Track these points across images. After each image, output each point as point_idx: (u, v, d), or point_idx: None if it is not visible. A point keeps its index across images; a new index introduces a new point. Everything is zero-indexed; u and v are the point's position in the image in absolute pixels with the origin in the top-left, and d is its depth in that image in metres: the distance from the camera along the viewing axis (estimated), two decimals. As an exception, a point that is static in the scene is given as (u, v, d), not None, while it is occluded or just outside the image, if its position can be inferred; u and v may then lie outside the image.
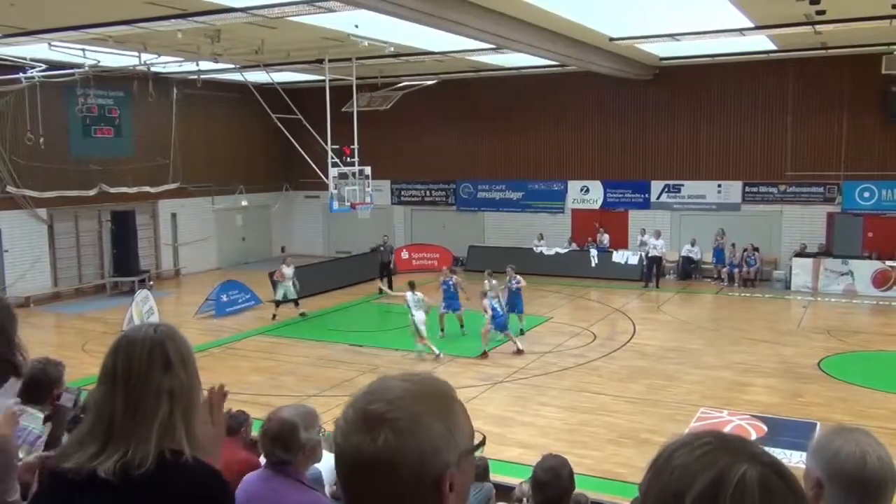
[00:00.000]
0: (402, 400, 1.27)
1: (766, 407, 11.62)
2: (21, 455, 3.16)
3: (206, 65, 19.57)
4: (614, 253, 23.39)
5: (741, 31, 16.19)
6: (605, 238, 23.83)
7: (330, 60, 18.63)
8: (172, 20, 13.88)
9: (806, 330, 16.88)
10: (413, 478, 1.24)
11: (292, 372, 14.22)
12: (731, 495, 1.04)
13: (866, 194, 21.40)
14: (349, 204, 19.32)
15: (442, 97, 24.35)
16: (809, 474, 1.99)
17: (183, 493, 1.88)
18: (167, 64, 19.68)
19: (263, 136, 25.56)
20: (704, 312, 19.50)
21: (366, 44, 16.65)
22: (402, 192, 27.52)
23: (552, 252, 23.92)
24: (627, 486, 8.21)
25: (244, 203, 26.79)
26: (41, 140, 19.51)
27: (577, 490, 4.63)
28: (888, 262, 20.37)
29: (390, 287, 21.45)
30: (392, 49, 17.72)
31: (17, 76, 19.06)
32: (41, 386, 3.55)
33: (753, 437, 9.93)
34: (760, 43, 18.65)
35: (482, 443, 1.34)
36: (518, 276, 16.07)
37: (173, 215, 25.17)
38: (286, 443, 3.29)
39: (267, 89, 21.39)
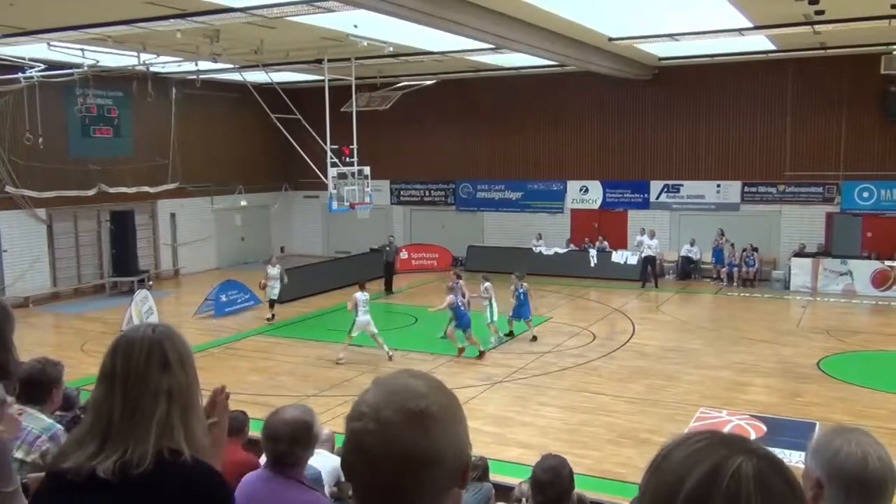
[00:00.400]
0: (432, 395, 1.32)
1: (765, 407, 11.63)
2: (20, 455, 3.16)
3: (205, 65, 19.57)
4: (613, 253, 23.40)
5: (740, 31, 16.19)
6: (605, 245, 23.84)
7: (329, 60, 18.63)
8: (171, 20, 13.88)
9: (805, 330, 16.89)
10: (452, 469, 1.31)
11: (291, 372, 14.22)
12: (727, 486, 1.03)
13: (865, 194, 21.41)
14: (348, 204, 19.32)
15: (441, 97, 24.35)
16: (809, 474, 1.98)
17: (182, 492, 1.88)
18: (166, 64, 19.68)
19: (263, 136, 25.56)
20: (704, 312, 19.51)
21: (365, 44, 16.65)
22: (402, 192, 27.53)
23: (551, 252, 23.93)
24: (627, 485, 8.22)
25: (243, 203, 26.79)
26: (40, 140, 19.49)
27: (577, 490, 4.63)
28: (887, 262, 20.38)
29: (390, 288, 21.44)
30: (391, 49, 17.73)
31: (16, 76, 19.06)
32: (41, 386, 3.55)
33: (753, 436, 9.93)
34: (759, 43, 18.66)
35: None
36: (524, 284, 15.88)
37: (172, 215, 25.17)
38: (305, 440, 3.32)
39: (266, 89, 21.38)
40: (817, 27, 15.24)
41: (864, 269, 20.50)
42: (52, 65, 18.76)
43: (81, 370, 11.08)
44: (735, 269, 21.92)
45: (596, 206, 24.70)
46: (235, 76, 21.24)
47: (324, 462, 5.67)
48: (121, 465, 1.82)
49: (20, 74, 18.98)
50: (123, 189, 22.93)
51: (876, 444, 1.98)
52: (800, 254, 21.52)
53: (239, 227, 27.34)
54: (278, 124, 20.01)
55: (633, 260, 22.71)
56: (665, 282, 22.48)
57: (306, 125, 19.78)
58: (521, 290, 15.78)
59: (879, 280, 20.27)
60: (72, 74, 19.02)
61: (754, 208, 22.76)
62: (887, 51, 18.52)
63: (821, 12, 13.72)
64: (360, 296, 14.58)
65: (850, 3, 13.54)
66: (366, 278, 21.97)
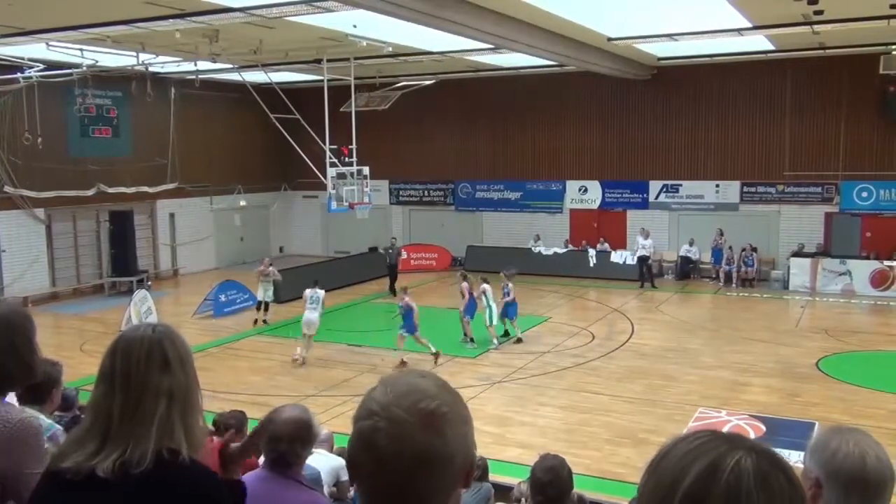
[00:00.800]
0: (441, 396, 1.33)
1: (764, 407, 11.64)
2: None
3: (204, 65, 19.56)
4: (612, 253, 23.41)
5: (739, 31, 16.20)
6: (606, 247, 23.84)
7: (328, 60, 18.62)
8: (171, 20, 13.87)
9: (804, 330, 16.90)
10: (460, 467, 1.33)
11: (291, 372, 14.22)
12: (726, 481, 1.03)
13: (864, 194, 21.42)
14: (347, 204, 19.31)
15: (440, 97, 24.35)
16: (808, 474, 1.99)
17: (181, 492, 1.88)
18: (165, 64, 19.67)
19: (262, 136, 25.55)
20: (703, 312, 19.51)
21: (364, 44, 16.65)
22: (401, 192, 27.53)
23: (550, 252, 23.94)
24: (626, 485, 8.22)
25: (242, 203, 26.79)
26: (39, 140, 19.47)
27: (576, 490, 4.63)
28: (886, 262, 20.40)
29: (394, 290, 21.30)
30: (390, 49, 17.73)
31: (14, 76, 19.05)
32: (40, 386, 3.54)
33: (752, 436, 9.93)
34: (758, 43, 18.66)
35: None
36: (510, 285, 15.92)
37: (171, 215, 25.16)
38: (305, 439, 3.34)
39: (265, 89, 21.38)
40: (816, 27, 15.25)
41: (862, 269, 20.52)
42: (50, 65, 18.75)
43: (80, 370, 11.09)
44: (734, 269, 21.90)
45: (595, 206, 24.71)
46: (234, 76, 21.23)
47: (322, 462, 5.67)
48: (120, 465, 1.83)
49: (19, 74, 18.97)
50: (122, 189, 22.93)
51: (874, 444, 1.98)
52: (799, 254, 21.53)
53: (238, 227, 27.34)
54: (277, 124, 20.01)
55: (631, 260, 22.73)
56: (664, 282, 22.50)
57: (305, 125, 19.77)
58: (506, 289, 15.81)
59: (878, 280, 20.29)
60: (71, 74, 19.01)
61: (753, 208, 22.77)
62: (886, 51, 18.53)
63: (820, 12, 13.73)
64: (309, 292, 14.61)
65: (848, 3, 13.54)
66: (365, 278, 21.90)
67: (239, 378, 13.59)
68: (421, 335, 14.30)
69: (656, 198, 23.87)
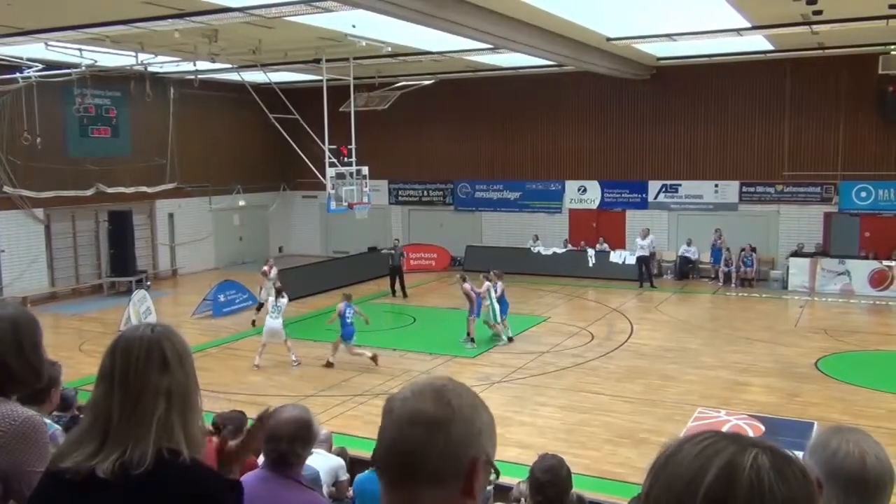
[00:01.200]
0: (458, 389, 1.46)
1: (763, 406, 11.64)
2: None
3: (203, 65, 19.55)
4: (612, 253, 23.42)
5: (738, 31, 16.20)
6: (605, 247, 23.84)
7: (327, 60, 18.62)
8: (170, 20, 13.87)
9: (803, 329, 16.91)
10: (459, 445, 1.39)
11: (290, 372, 14.21)
12: (748, 477, 1.04)
13: (863, 194, 21.44)
14: (346, 204, 19.31)
15: (440, 97, 24.35)
16: (807, 474, 1.98)
17: (181, 492, 1.88)
18: (164, 64, 19.66)
19: (261, 135, 25.54)
20: (702, 312, 19.52)
21: (363, 44, 16.65)
22: (400, 192, 27.52)
23: (550, 252, 23.95)
24: (625, 485, 8.22)
25: (241, 203, 26.78)
26: (38, 140, 19.47)
27: (575, 489, 4.63)
28: (885, 262, 20.41)
29: (395, 290, 21.21)
30: (389, 49, 17.73)
31: (13, 76, 19.04)
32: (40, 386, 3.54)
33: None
34: (757, 43, 18.67)
35: (497, 472, 1.47)
36: (500, 283, 15.95)
37: (170, 215, 25.15)
38: (306, 439, 3.35)
39: (264, 89, 21.38)
40: (815, 27, 15.26)
41: (861, 269, 20.53)
42: (49, 65, 18.73)
43: (79, 370, 11.10)
44: (732, 269, 21.89)
45: (594, 205, 24.72)
46: (234, 76, 21.23)
47: (321, 462, 5.67)
48: (120, 465, 1.83)
49: (18, 74, 18.96)
50: (121, 189, 22.91)
51: (874, 444, 1.98)
52: (798, 254, 21.54)
53: (237, 227, 27.34)
54: (276, 124, 20.01)
55: (631, 260, 22.73)
56: (663, 281, 22.50)
57: (304, 125, 19.77)
58: (496, 287, 15.80)
59: (877, 280, 20.30)
60: (69, 74, 18.99)
61: (752, 208, 22.78)
62: (885, 51, 18.55)
63: (819, 12, 13.73)
64: (271, 300, 14.63)
65: (847, 3, 13.55)
66: (364, 278, 21.80)
67: (238, 378, 13.59)
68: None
69: (655, 198, 23.88)
